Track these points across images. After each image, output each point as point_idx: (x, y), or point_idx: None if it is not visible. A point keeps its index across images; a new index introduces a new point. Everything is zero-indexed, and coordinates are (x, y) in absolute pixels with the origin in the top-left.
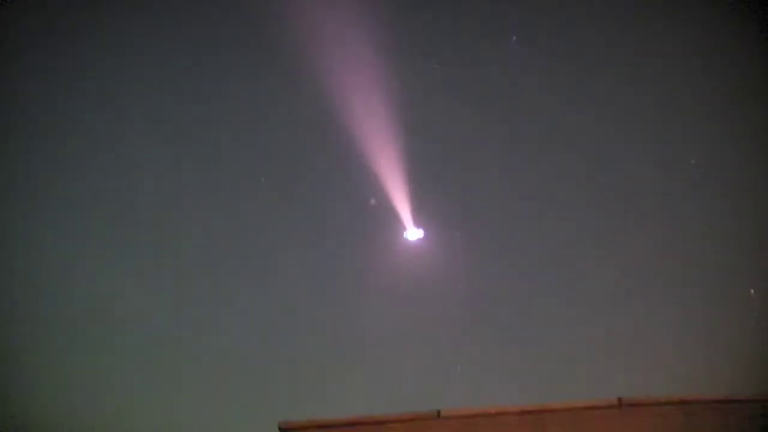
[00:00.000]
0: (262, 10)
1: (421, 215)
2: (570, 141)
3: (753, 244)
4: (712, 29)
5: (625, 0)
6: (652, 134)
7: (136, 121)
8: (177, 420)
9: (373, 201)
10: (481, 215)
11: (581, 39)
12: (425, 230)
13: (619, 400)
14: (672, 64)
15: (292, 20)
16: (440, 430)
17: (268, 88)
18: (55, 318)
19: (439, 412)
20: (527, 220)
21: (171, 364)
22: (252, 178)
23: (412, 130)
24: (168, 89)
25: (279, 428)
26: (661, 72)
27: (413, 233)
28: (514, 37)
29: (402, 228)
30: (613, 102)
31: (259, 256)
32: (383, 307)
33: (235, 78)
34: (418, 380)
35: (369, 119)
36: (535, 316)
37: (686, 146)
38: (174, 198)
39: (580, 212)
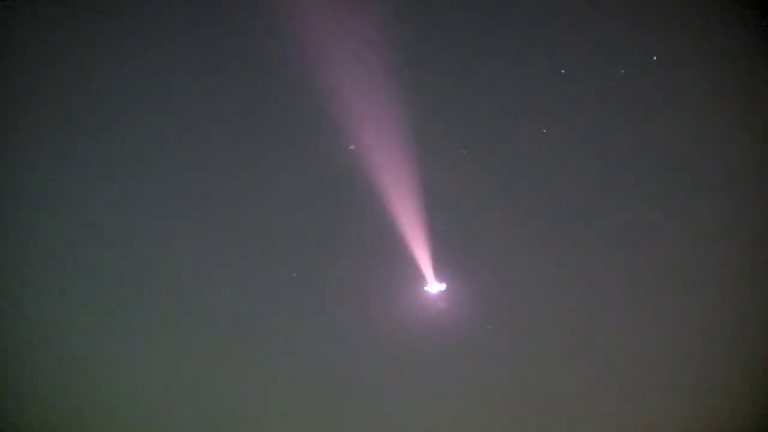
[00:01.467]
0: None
1: (442, 267)
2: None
3: None
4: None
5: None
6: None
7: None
8: None
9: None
10: (506, 267)
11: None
12: (447, 283)
13: None
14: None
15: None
16: None
17: (274, 141)
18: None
19: None
20: (559, 272)
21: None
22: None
23: (431, 178)
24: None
25: None
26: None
27: (435, 287)
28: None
29: (423, 282)
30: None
31: (274, 318)
32: (405, 367)
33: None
34: None
35: (384, 168)
36: (571, 376)
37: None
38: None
39: (613, 262)
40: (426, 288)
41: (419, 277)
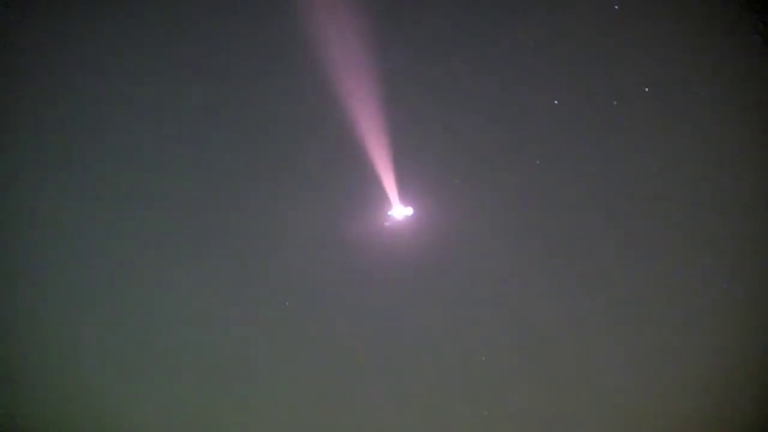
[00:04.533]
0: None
1: (409, 190)
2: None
3: None
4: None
5: None
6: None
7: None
8: None
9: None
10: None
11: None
12: (415, 208)
13: None
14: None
15: None
16: None
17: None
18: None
19: None
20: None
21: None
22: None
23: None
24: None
25: None
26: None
27: (400, 211)
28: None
29: (387, 206)
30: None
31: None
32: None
33: None
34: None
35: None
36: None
37: None
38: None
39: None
40: (390, 212)
41: (383, 200)
